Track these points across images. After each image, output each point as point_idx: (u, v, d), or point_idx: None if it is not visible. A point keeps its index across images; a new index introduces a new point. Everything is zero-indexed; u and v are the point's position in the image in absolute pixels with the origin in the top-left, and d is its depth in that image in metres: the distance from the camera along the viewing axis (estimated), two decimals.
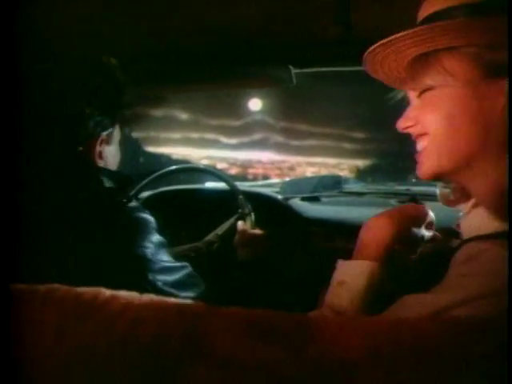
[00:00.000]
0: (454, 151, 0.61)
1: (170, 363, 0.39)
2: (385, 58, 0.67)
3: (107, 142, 0.96)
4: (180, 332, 0.40)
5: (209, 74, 1.24)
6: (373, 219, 0.78)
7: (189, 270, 0.88)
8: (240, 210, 1.36)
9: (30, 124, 0.98)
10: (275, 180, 2.29)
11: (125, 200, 0.87)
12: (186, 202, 1.70)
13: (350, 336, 0.39)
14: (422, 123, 0.64)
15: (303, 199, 1.75)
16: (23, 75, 0.88)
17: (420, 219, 0.77)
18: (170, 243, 0.92)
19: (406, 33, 0.60)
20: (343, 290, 0.73)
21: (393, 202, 1.64)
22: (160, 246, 0.85)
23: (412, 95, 0.69)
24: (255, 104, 3.30)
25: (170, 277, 0.83)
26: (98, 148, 0.94)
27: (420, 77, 0.63)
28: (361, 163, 4.52)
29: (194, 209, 1.62)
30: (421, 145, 0.66)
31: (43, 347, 0.43)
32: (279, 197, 1.72)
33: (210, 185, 1.88)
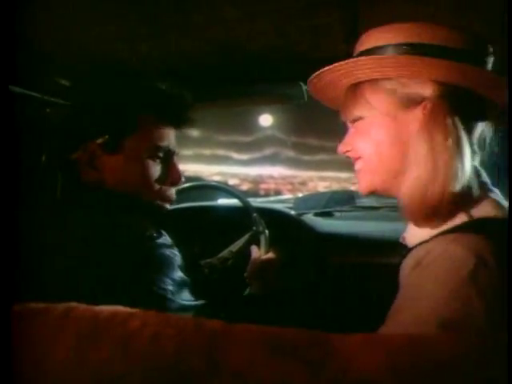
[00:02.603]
0: (382, 170, 0.72)
1: (189, 380, 0.38)
2: (324, 88, 0.78)
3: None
4: (198, 349, 0.40)
5: (221, 91, 1.26)
6: None
7: (206, 308, 0.86)
8: (254, 228, 1.36)
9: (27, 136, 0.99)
10: (287, 196, 2.29)
11: (155, 235, 0.85)
12: (198, 218, 1.70)
13: (370, 353, 0.38)
14: (355, 149, 0.75)
15: (316, 214, 1.74)
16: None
17: None
18: (183, 259, 0.91)
19: (333, 66, 0.70)
20: None
21: None
22: (181, 284, 0.83)
23: (349, 123, 0.78)
24: (266, 120, 3.33)
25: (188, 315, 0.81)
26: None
27: (350, 109, 0.74)
28: None
29: (207, 225, 1.62)
30: (357, 166, 0.76)
31: (61, 366, 0.43)
32: (292, 212, 1.71)
33: (222, 201, 1.88)
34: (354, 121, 0.75)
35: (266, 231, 1.33)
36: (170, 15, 0.81)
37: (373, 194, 0.76)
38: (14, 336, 0.44)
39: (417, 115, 0.66)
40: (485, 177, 0.69)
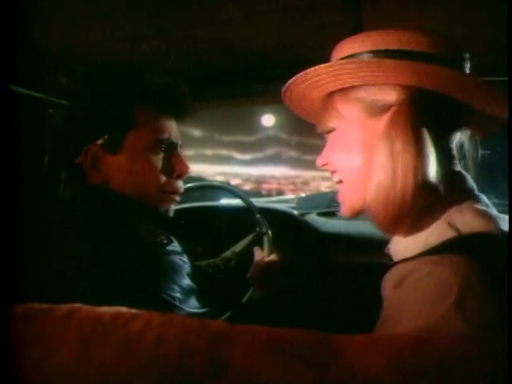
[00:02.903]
0: (358, 187, 0.68)
1: (193, 381, 0.38)
2: (300, 103, 0.76)
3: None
4: (202, 350, 0.40)
5: (223, 91, 1.25)
6: None
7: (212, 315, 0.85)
8: (258, 229, 1.36)
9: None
10: (290, 196, 2.29)
11: (165, 241, 0.83)
12: (201, 218, 1.70)
13: (374, 354, 0.38)
14: (330, 162, 0.73)
15: (319, 214, 1.74)
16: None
17: None
18: (191, 265, 0.90)
19: (295, 78, 0.69)
20: None
21: None
22: (189, 292, 0.82)
23: (326, 135, 0.76)
24: (268, 120, 3.32)
25: None
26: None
27: (323, 121, 0.72)
28: None
29: (210, 226, 1.62)
30: (334, 178, 0.74)
31: (64, 367, 0.43)
32: (295, 212, 1.71)
33: (225, 202, 1.88)
34: (328, 132, 0.73)
35: (270, 232, 1.33)
36: (172, 14, 0.81)
37: (357, 215, 0.73)
38: (15, 336, 0.44)
39: (384, 122, 0.64)
40: (470, 183, 0.66)
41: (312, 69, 0.66)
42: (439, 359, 0.39)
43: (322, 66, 0.66)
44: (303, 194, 2.12)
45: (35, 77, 1.08)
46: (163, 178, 0.91)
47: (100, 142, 0.88)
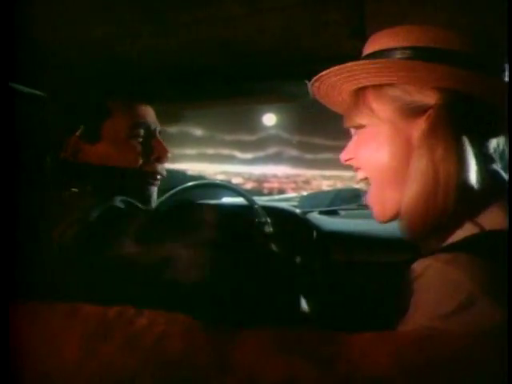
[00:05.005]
0: (389, 194, 0.67)
1: (198, 379, 0.38)
2: (328, 93, 0.75)
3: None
4: (207, 347, 0.40)
5: (224, 90, 1.25)
6: None
7: None
8: (256, 220, 1.36)
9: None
10: (292, 194, 2.29)
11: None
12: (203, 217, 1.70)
13: (380, 352, 0.38)
14: (357, 158, 0.71)
15: (321, 213, 1.74)
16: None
17: None
18: None
19: (330, 71, 0.68)
20: None
21: None
22: None
23: (352, 130, 0.75)
24: (270, 119, 3.32)
25: None
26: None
27: (352, 116, 0.70)
28: None
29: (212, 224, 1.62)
30: (359, 175, 0.72)
31: (67, 364, 0.43)
32: (297, 211, 1.71)
33: (226, 200, 1.88)
34: (357, 128, 0.71)
35: (269, 220, 1.33)
36: (173, 12, 0.80)
37: (390, 221, 0.70)
38: (15, 333, 0.44)
39: (420, 125, 0.63)
40: (504, 183, 0.64)
41: (350, 64, 0.65)
42: (444, 356, 0.38)
43: (361, 62, 0.65)
44: (305, 193, 2.11)
45: (35, 74, 1.08)
46: (142, 161, 0.94)
47: (78, 133, 0.90)
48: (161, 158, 0.98)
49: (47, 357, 0.44)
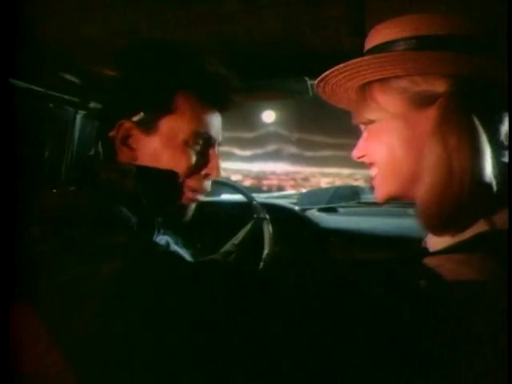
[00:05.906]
0: (398, 176, 0.67)
1: None
2: (334, 91, 0.74)
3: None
4: None
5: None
6: None
7: None
8: (255, 216, 1.36)
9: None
10: (291, 191, 2.29)
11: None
12: (202, 214, 1.70)
13: None
14: (369, 154, 0.70)
15: (320, 210, 1.74)
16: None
17: None
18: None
19: (335, 69, 0.67)
20: None
21: (410, 211, 1.62)
22: None
23: (362, 126, 0.74)
24: (269, 116, 3.31)
25: None
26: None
27: (361, 112, 0.69)
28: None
29: (210, 221, 1.62)
30: (372, 171, 0.71)
31: (66, 364, 0.43)
32: (296, 208, 1.71)
33: (225, 197, 1.88)
34: (367, 124, 0.70)
35: (267, 216, 1.33)
36: (172, 9, 0.80)
37: (390, 200, 0.71)
38: (15, 333, 0.44)
39: (431, 115, 0.61)
40: None
41: (353, 61, 0.64)
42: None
43: (366, 58, 0.64)
44: (304, 190, 2.11)
45: (35, 71, 1.08)
46: (190, 173, 0.86)
47: (135, 118, 0.84)
48: (210, 176, 0.90)
49: (46, 356, 0.44)
